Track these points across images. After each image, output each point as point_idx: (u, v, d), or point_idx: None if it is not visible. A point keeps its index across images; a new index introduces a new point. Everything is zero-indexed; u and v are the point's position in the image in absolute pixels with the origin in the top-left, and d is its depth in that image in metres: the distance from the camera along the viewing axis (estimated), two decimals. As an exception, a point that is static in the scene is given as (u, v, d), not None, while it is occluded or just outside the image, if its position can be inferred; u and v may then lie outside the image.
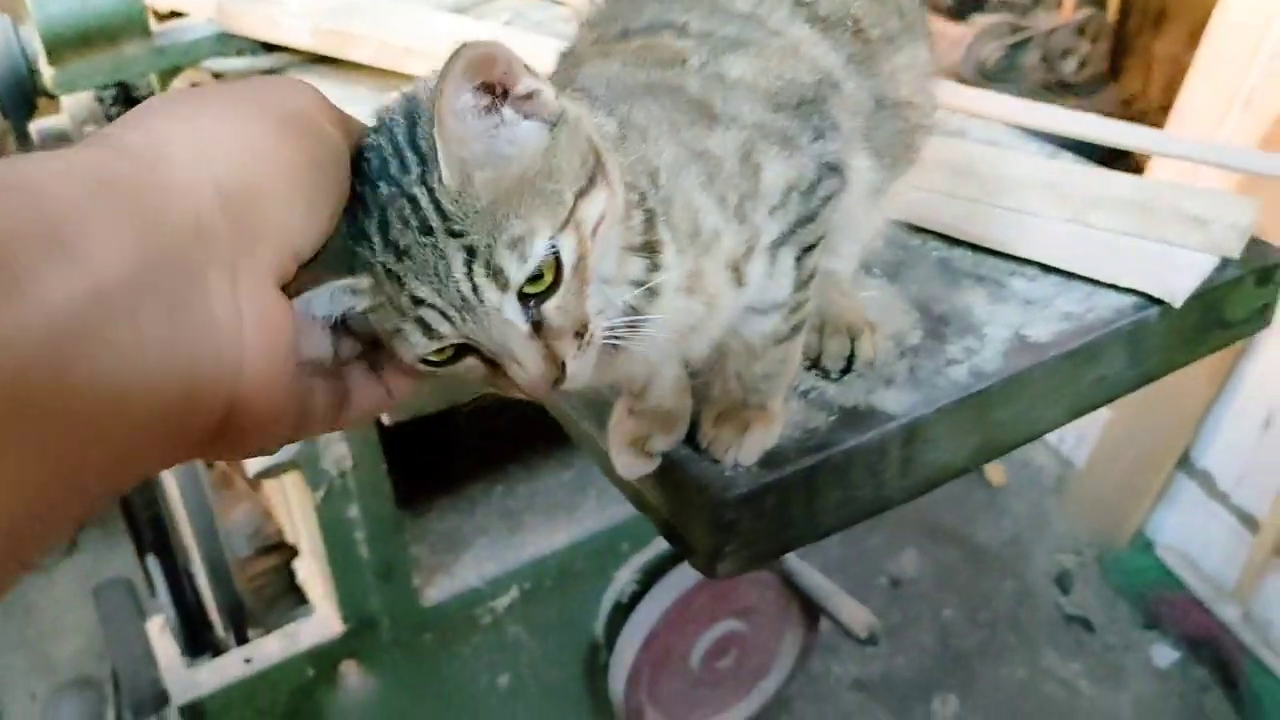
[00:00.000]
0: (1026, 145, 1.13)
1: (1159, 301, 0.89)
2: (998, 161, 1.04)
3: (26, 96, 1.65)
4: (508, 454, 1.94)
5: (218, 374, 0.50)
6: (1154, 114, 3.73)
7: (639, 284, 0.62)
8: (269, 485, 2.03)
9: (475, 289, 0.55)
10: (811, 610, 1.97)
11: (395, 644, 1.75)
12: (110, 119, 1.68)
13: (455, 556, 1.80)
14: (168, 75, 1.63)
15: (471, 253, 0.55)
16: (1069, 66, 3.47)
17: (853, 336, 0.87)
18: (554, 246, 0.56)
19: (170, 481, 1.97)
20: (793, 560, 1.95)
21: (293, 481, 1.68)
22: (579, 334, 0.59)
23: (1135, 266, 0.91)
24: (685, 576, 1.84)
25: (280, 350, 0.52)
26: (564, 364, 0.58)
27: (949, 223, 0.99)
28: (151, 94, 1.69)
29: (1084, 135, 1.13)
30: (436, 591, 1.76)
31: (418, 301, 0.56)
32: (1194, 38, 3.25)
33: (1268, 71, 2.57)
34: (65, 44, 1.38)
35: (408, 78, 1.34)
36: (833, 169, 0.71)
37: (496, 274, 0.55)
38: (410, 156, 0.56)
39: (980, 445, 0.87)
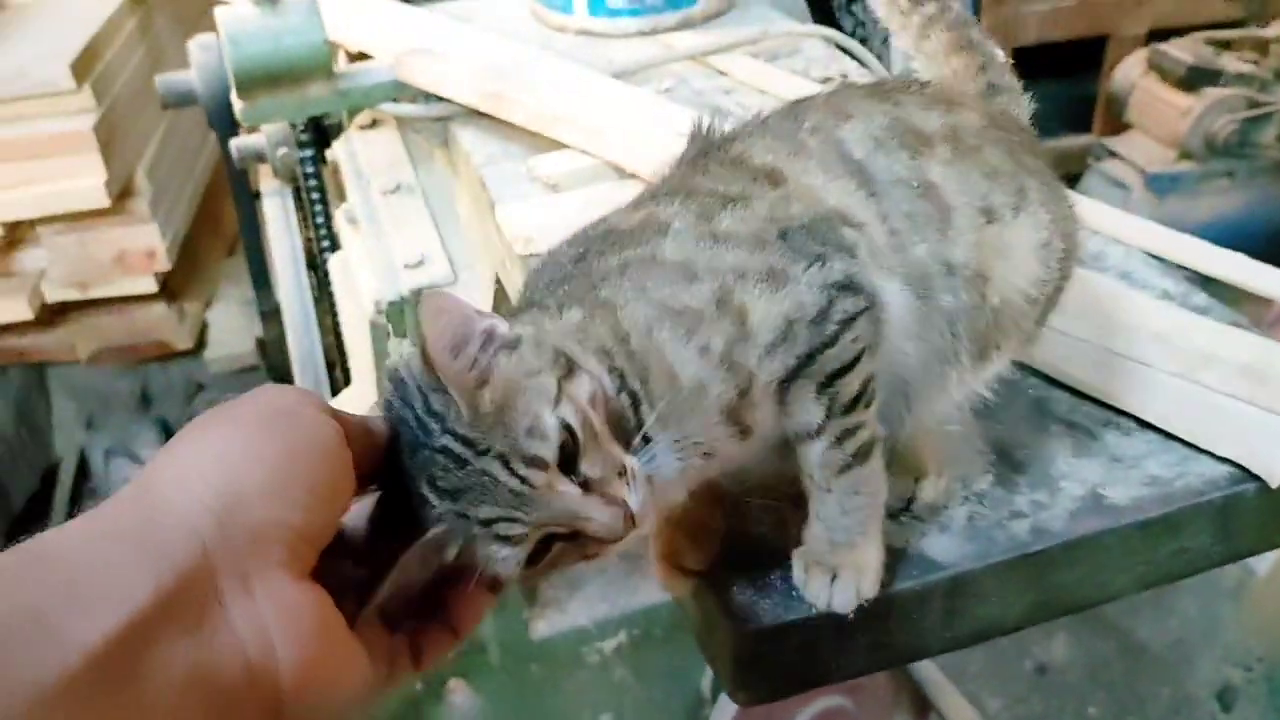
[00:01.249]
0: (1162, 280, 1.07)
1: (1257, 477, 0.84)
2: (1116, 301, 0.99)
3: (233, 115, 1.78)
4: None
5: (249, 678, 0.54)
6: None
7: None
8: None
9: (523, 480, 0.63)
10: (922, 701, 1.92)
11: (503, 669, 1.80)
12: (300, 144, 1.80)
13: (570, 594, 1.84)
14: (353, 111, 1.73)
15: (505, 458, 0.62)
16: (1309, 146, 3.24)
17: (917, 477, 0.85)
18: (560, 418, 0.63)
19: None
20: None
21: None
22: (621, 475, 0.65)
23: (1237, 435, 0.86)
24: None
25: (312, 635, 0.57)
26: (625, 501, 0.65)
27: (1052, 361, 0.96)
28: (340, 125, 1.80)
29: (1226, 277, 1.06)
30: (546, 625, 1.80)
31: (487, 522, 0.63)
32: None
33: None
34: (255, 82, 1.48)
35: (558, 143, 1.38)
36: (847, 288, 0.71)
37: (533, 460, 0.63)
38: (430, 421, 0.64)
39: (1035, 604, 0.84)
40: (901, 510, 0.84)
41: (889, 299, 0.75)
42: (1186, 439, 0.88)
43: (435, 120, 1.55)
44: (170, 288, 2.75)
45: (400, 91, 1.55)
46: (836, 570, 0.77)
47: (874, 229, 0.75)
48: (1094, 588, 0.85)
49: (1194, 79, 3.26)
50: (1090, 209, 1.15)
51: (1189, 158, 3.28)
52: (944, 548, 0.82)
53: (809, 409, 0.72)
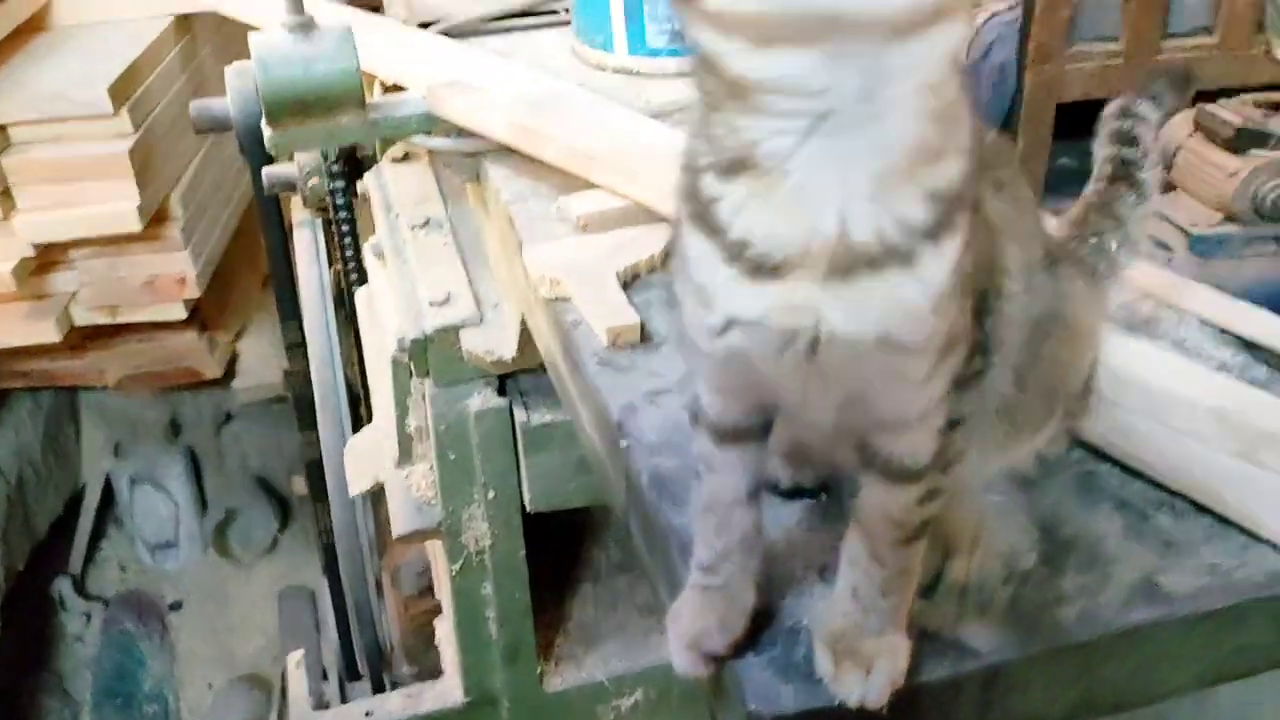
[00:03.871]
0: (1218, 351, 1.01)
1: (1326, 572, 0.77)
2: (1170, 372, 0.93)
3: (264, 142, 1.75)
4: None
5: None
6: None
7: None
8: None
9: None
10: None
11: (515, 723, 1.75)
12: (332, 175, 1.77)
13: (587, 648, 1.78)
14: (386, 143, 1.70)
15: None
16: (1365, 214, 3.14)
17: (946, 553, 0.79)
18: None
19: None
20: None
21: (439, 545, 1.70)
22: None
23: (1305, 525, 0.79)
24: None
25: None
26: None
27: (1102, 433, 0.89)
28: (374, 157, 1.77)
29: (1256, 336, 1.00)
30: (560, 680, 1.74)
31: None
32: None
33: None
34: (285, 109, 1.45)
35: (590, 183, 1.34)
36: None
37: None
38: None
39: (1081, 700, 0.77)
40: (926, 590, 0.78)
41: None
42: (1247, 526, 0.81)
43: (467, 155, 1.51)
44: (202, 316, 2.73)
45: (433, 124, 1.52)
46: (870, 662, 0.71)
47: None
48: (1146, 684, 0.78)
49: (1242, 141, 3.18)
50: (1141, 272, 1.09)
51: (1234, 220, 3.20)
52: (983, 633, 0.75)
53: (926, 441, 0.67)
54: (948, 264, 0.60)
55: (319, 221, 1.99)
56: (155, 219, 2.37)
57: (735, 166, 0.60)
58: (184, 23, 2.51)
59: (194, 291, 2.48)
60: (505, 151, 1.45)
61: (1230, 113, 3.61)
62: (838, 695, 0.71)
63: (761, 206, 0.60)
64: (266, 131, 1.48)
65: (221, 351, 2.86)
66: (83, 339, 2.64)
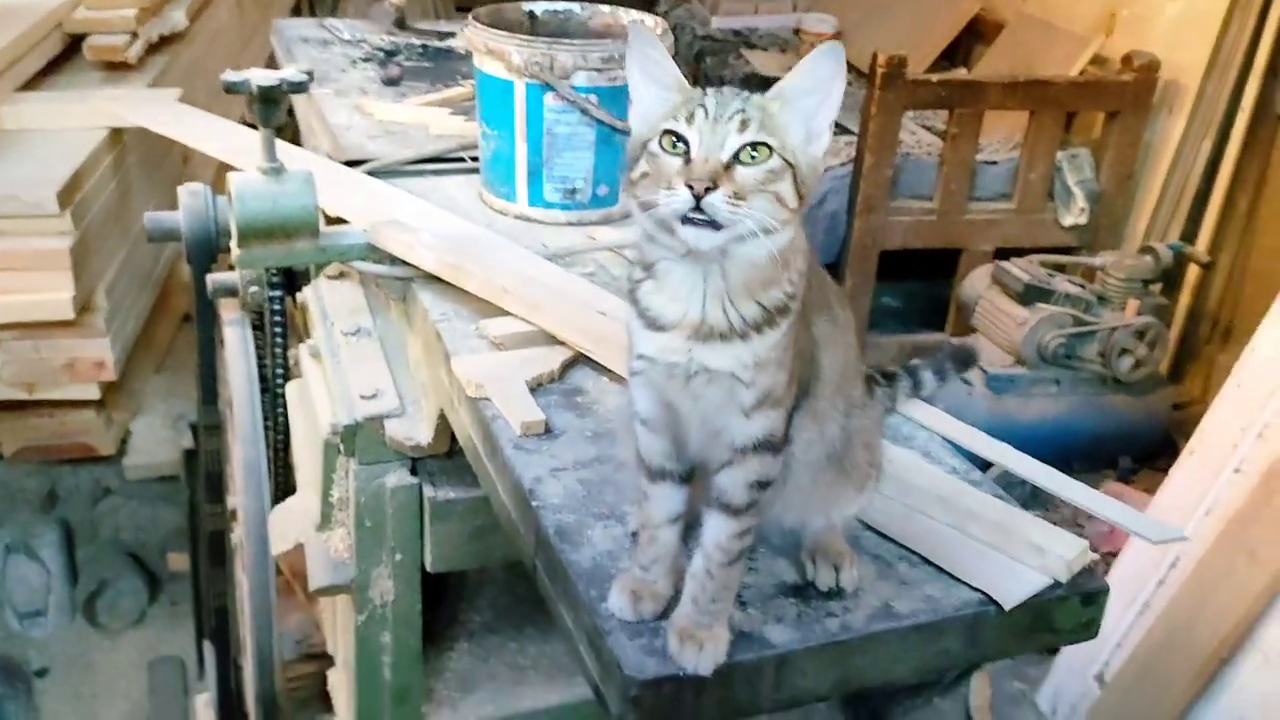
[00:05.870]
0: (952, 460, 1.44)
1: (997, 603, 1.19)
2: (916, 471, 1.36)
3: (211, 253, 2.09)
4: (527, 615, 2.24)
5: None
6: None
7: None
8: (323, 601, 2.36)
9: None
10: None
11: (396, 763, 2.03)
12: (271, 284, 2.11)
13: (463, 695, 2.09)
14: (320, 265, 2.05)
15: None
16: (1124, 365, 3.71)
17: (837, 567, 1.20)
18: None
19: (242, 578, 2.31)
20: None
21: (343, 602, 2.01)
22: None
23: (988, 573, 1.22)
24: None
25: None
26: None
27: (867, 511, 1.31)
28: (307, 272, 2.12)
29: (997, 460, 1.44)
30: (440, 721, 2.05)
31: None
32: (1255, 358, 3.49)
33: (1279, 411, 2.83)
34: (254, 234, 1.79)
35: (502, 310, 1.71)
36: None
37: None
38: None
39: (839, 680, 1.17)
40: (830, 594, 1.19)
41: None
42: (955, 574, 1.23)
43: (397, 279, 1.88)
44: (104, 396, 2.97)
45: (371, 253, 1.88)
46: (702, 644, 1.09)
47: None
48: (881, 672, 1.18)
49: (1030, 295, 3.75)
50: (909, 406, 1.52)
51: (1023, 363, 3.74)
52: (778, 633, 1.14)
53: (741, 488, 1.07)
54: (769, 344, 1.04)
55: (248, 320, 2.30)
56: (82, 308, 2.63)
57: (648, 268, 1.05)
58: (117, 135, 2.80)
59: (111, 375, 2.74)
60: (431, 279, 1.82)
61: (1020, 270, 4.25)
62: (681, 666, 1.08)
63: (656, 293, 1.04)
64: (235, 250, 1.82)
65: (117, 430, 3.09)
66: (-12, 411, 2.85)
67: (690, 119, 1.00)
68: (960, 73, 5.04)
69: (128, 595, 3.55)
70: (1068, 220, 4.24)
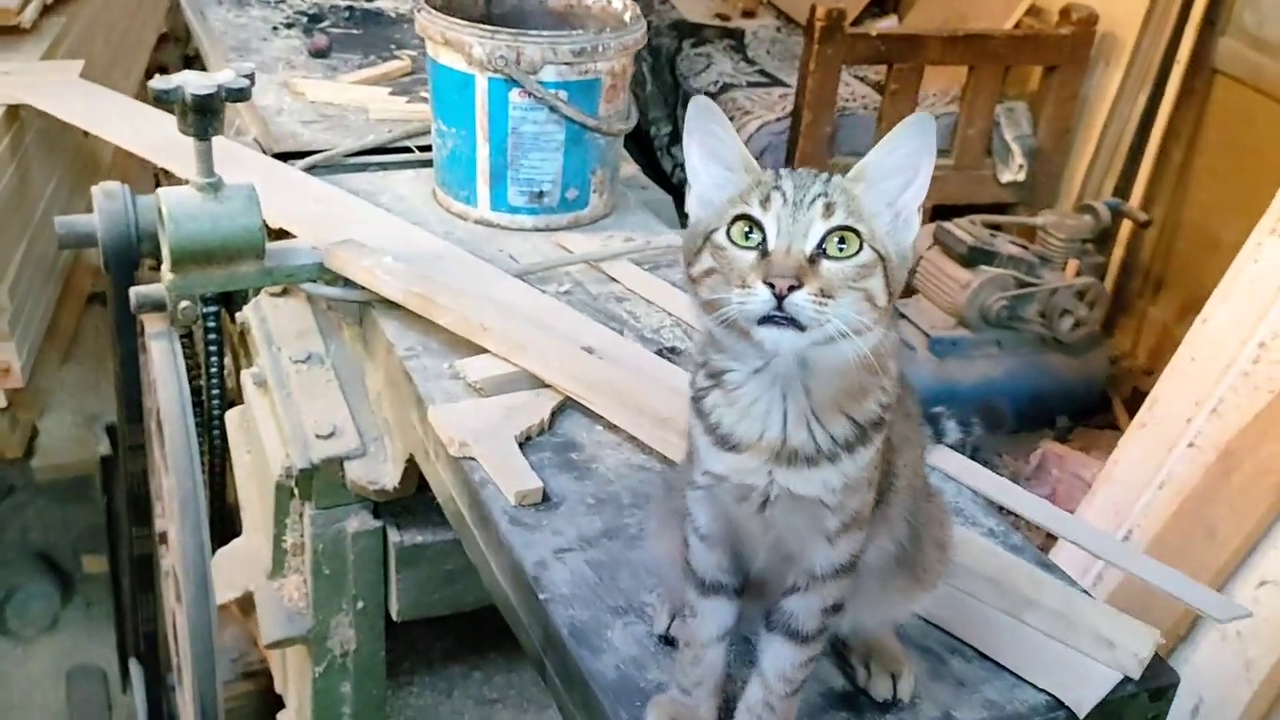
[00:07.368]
0: (987, 519, 1.34)
1: (1068, 708, 1.09)
2: (957, 542, 1.24)
3: (133, 261, 1.86)
4: (490, 644, 2.11)
5: None
6: (1138, 376, 4.00)
7: None
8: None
9: None
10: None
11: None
12: (205, 300, 1.90)
13: (428, 735, 1.96)
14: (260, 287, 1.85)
15: None
16: (1065, 325, 3.69)
17: (895, 676, 1.09)
18: None
19: (176, 608, 2.12)
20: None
21: (296, 650, 1.84)
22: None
23: (1053, 671, 1.11)
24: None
25: None
26: None
27: (909, 592, 1.19)
28: (245, 297, 1.91)
29: (1057, 530, 1.34)
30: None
31: None
32: (1185, 309, 3.48)
33: (1234, 386, 2.81)
34: (190, 258, 1.59)
35: (482, 348, 1.54)
36: None
37: None
38: None
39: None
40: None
41: None
42: (1015, 670, 1.13)
43: (360, 304, 1.69)
44: (8, 396, 2.71)
45: (322, 273, 1.69)
46: None
47: None
48: (942, 789, 1.08)
49: (973, 257, 3.69)
50: (937, 455, 1.40)
51: (966, 326, 3.70)
52: (839, 755, 1.03)
53: (814, 615, 0.94)
54: (861, 464, 0.90)
55: (175, 334, 2.09)
56: (-17, 312, 2.37)
57: (714, 376, 0.90)
58: (13, 112, 2.52)
59: (18, 381, 2.50)
60: (391, 303, 1.64)
61: (964, 232, 4.14)
62: None
63: (727, 407, 0.90)
64: (168, 277, 1.62)
65: (22, 430, 2.84)
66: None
67: (766, 202, 0.85)
68: (892, 21, 4.92)
69: (38, 599, 3.31)
70: (1005, 177, 4.19)
